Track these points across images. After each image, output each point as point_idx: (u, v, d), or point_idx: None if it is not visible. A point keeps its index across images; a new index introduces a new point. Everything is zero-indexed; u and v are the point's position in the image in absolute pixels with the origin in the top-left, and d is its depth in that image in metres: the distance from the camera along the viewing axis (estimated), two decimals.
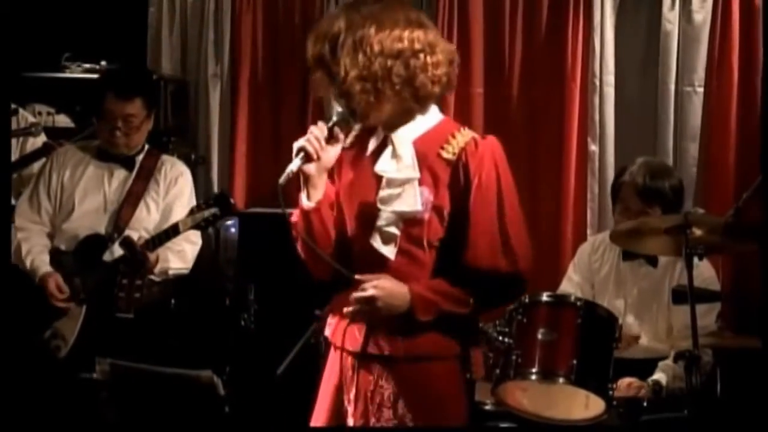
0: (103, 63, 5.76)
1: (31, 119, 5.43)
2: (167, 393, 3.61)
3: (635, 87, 5.60)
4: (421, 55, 3.06)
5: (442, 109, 5.66)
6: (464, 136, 3.13)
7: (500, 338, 3.91)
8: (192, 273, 4.90)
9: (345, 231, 3.21)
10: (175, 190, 4.87)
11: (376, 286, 3.07)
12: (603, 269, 4.77)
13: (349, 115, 3.13)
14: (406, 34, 3.06)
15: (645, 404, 4.25)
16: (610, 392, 3.87)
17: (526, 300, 3.94)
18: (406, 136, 3.13)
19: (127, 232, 4.70)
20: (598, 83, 5.52)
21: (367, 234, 3.13)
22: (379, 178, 3.13)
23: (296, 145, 3.11)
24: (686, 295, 4.09)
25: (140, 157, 4.86)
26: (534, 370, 3.84)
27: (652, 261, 4.66)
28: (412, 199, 3.08)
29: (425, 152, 3.11)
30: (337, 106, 3.13)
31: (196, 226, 4.62)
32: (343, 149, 3.21)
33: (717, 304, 4.41)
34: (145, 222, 4.79)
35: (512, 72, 5.65)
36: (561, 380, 3.83)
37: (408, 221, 3.09)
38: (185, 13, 6.08)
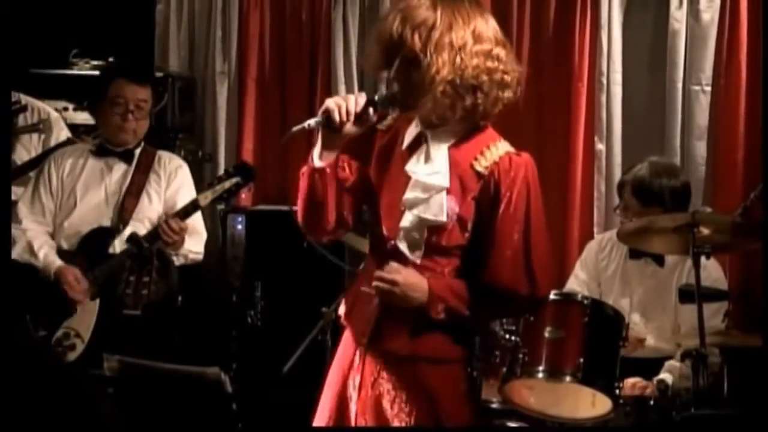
0: (111, 59, 5.76)
1: (54, 114, 5.43)
2: (174, 390, 3.60)
3: (642, 85, 5.59)
4: (497, 77, 3.02)
5: None
6: (499, 149, 3.07)
7: (507, 336, 3.91)
8: (199, 270, 4.91)
9: (377, 219, 3.18)
10: (177, 181, 4.88)
11: (400, 273, 3.06)
12: (610, 267, 4.77)
13: (392, 102, 3.07)
14: (496, 51, 3.03)
15: (651, 403, 4.25)
16: (617, 391, 3.87)
17: None
18: (443, 140, 3.09)
19: (131, 224, 4.71)
20: (605, 82, 5.51)
21: (391, 230, 3.12)
22: (408, 177, 3.10)
23: (327, 103, 3.02)
24: (693, 294, 4.09)
25: (138, 151, 4.87)
26: (541, 368, 3.84)
27: (659, 260, 4.65)
28: (438, 208, 3.06)
29: (458, 161, 3.07)
30: (383, 89, 3.07)
31: (218, 199, 4.62)
32: (380, 132, 3.18)
33: (724, 303, 4.41)
34: (148, 212, 4.79)
35: None
36: (568, 378, 3.83)
37: (430, 228, 3.07)
38: (193, 10, 6.08)
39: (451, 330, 3.12)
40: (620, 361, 3.96)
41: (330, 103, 3.02)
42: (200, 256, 4.84)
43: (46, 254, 4.69)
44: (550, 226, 5.50)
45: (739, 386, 4.35)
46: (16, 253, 4.64)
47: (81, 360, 4.54)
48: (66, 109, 5.66)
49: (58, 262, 4.67)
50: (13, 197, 4.81)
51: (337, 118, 3.00)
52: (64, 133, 5.37)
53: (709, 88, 5.42)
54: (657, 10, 5.54)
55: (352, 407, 3.16)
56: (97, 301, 4.66)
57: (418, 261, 3.09)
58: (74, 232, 4.76)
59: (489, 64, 3.01)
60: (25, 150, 5.35)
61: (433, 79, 2.96)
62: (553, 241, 5.49)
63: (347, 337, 3.26)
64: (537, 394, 3.99)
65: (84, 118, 5.57)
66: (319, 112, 3.03)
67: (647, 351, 4.48)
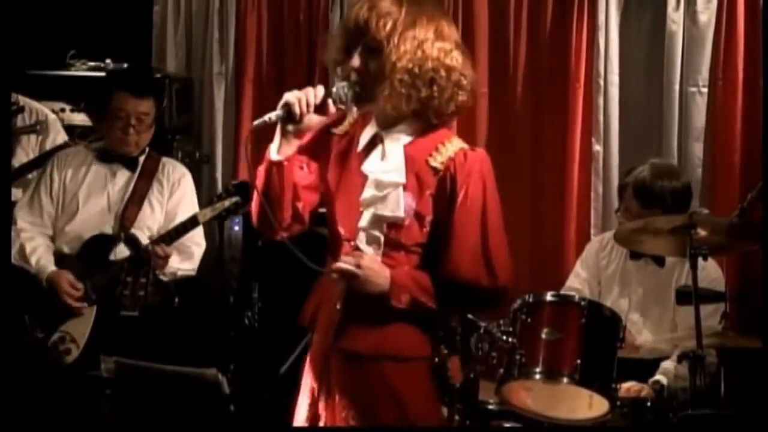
0: (108, 61, 5.76)
1: (51, 116, 5.43)
2: (172, 391, 3.61)
3: (640, 87, 5.59)
4: (455, 76, 3.09)
5: None
6: (453, 145, 3.14)
7: (504, 338, 3.91)
8: (197, 271, 4.90)
9: (334, 222, 3.22)
10: (179, 192, 4.87)
11: (363, 257, 3.09)
12: (610, 267, 4.78)
13: (349, 95, 3.10)
14: (455, 53, 3.10)
15: (648, 404, 4.26)
16: (614, 392, 3.87)
17: (530, 299, 3.94)
18: (398, 139, 3.15)
19: (133, 232, 4.71)
20: (602, 83, 5.51)
21: (350, 231, 3.16)
22: (365, 177, 3.15)
23: (286, 97, 3.09)
24: (690, 295, 4.09)
25: (142, 158, 4.87)
26: (538, 369, 3.84)
27: (659, 260, 4.66)
28: (395, 205, 3.11)
29: (414, 158, 3.12)
30: (339, 81, 3.11)
31: (216, 217, 4.62)
32: (337, 137, 3.24)
33: (721, 304, 4.41)
34: (149, 221, 4.79)
35: (517, 72, 5.65)
36: (565, 380, 3.83)
37: (389, 225, 3.12)
38: (190, 11, 6.08)
39: (415, 327, 3.15)
40: (618, 362, 3.96)
41: (289, 96, 3.08)
42: (192, 272, 4.84)
43: (39, 259, 4.69)
44: (548, 227, 5.58)
45: (737, 387, 4.35)
46: (11, 254, 4.64)
47: (76, 364, 4.54)
48: (63, 110, 5.66)
49: (50, 268, 4.67)
50: (12, 198, 4.80)
51: (297, 110, 3.06)
52: (61, 136, 5.37)
53: (706, 90, 5.43)
54: (654, 11, 5.55)
55: (323, 413, 3.18)
56: (94, 308, 4.66)
57: (378, 259, 3.13)
58: (75, 236, 4.76)
59: (448, 61, 3.08)
60: (23, 152, 5.35)
61: (393, 66, 3.03)
62: (550, 243, 5.53)
63: (314, 341, 3.28)
64: (534, 395, 3.99)
65: (81, 119, 5.57)
66: (279, 106, 3.09)
67: (645, 352, 4.48)
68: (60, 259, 4.74)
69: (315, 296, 3.29)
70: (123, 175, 4.84)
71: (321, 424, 3.18)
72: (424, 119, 3.13)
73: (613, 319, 4.00)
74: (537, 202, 5.61)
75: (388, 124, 3.15)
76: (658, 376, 4.41)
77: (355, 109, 3.15)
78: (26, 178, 5.10)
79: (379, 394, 3.13)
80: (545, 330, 3.88)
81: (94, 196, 4.82)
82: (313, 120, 3.10)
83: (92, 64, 5.79)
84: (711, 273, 4.51)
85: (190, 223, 4.62)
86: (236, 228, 5.53)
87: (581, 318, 3.90)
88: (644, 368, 4.45)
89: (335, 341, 3.16)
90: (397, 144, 3.14)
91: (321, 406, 3.18)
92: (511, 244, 5.73)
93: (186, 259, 4.77)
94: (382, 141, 3.16)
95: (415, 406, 3.15)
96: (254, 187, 3.19)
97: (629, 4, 5.57)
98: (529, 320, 3.90)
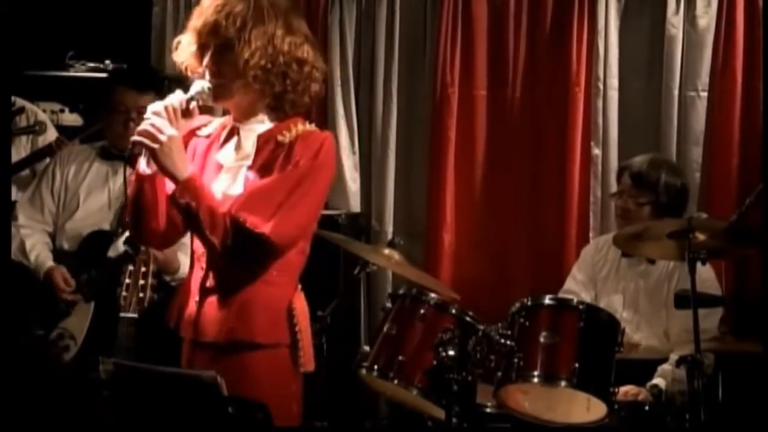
0: (108, 62, 5.76)
1: (42, 116, 5.44)
2: (170, 393, 3.60)
3: (639, 91, 5.59)
4: (306, 68, 3.26)
5: (447, 109, 5.69)
6: (303, 126, 3.27)
7: (502, 341, 3.92)
8: None
9: None
10: None
11: (172, 132, 3.17)
12: (605, 268, 4.80)
13: (209, 93, 3.23)
14: (306, 46, 3.27)
15: (647, 408, 4.26)
16: (612, 396, 3.87)
17: (529, 303, 3.96)
18: (253, 129, 3.28)
19: None
20: (601, 87, 5.51)
21: None
22: (221, 167, 3.29)
23: (154, 108, 3.20)
24: (689, 299, 4.10)
25: None
26: (536, 373, 3.85)
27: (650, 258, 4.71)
28: (240, 184, 3.22)
29: (267, 140, 3.25)
30: (200, 82, 3.24)
31: None
32: (202, 138, 3.37)
33: (719, 307, 4.42)
34: None
35: (516, 75, 5.64)
36: (563, 383, 3.84)
37: None
38: (190, 12, 6.05)
39: (272, 313, 3.24)
40: (615, 365, 3.96)
41: (156, 107, 3.21)
42: None
43: (38, 255, 4.73)
44: (547, 230, 5.57)
45: (735, 392, 4.35)
46: (11, 250, 4.66)
47: (75, 362, 4.54)
48: (62, 110, 5.66)
49: (48, 264, 4.71)
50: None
51: (166, 117, 3.18)
52: (51, 134, 5.38)
53: (705, 94, 5.43)
54: (654, 15, 5.55)
55: None
56: (92, 303, 4.66)
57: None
58: (76, 234, 4.78)
59: (299, 54, 3.23)
60: (15, 151, 5.36)
61: (246, 63, 3.16)
62: (549, 246, 5.53)
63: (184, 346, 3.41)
64: (532, 398, 4.00)
65: (73, 119, 5.57)
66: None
67: (641, 352, 4.49)
68: (60, 255, 4.76)
69: (177, 298, 3.43)
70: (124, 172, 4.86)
71: None
72: (280, 111, 3.27)
73: (611, 323, 4.01)
74: (536, 206, 5.60)
75: (244, 118, 3.29)
76: (656, 380, 4.41)
77: (216, 106, 3.31)
78: (18, 176, 5.11)
79: (238, 384, 3.15)
80: (543, 333, 3.89)
81: (95, 193, 4.84)
82: (182, 124, 3.23)
83: (91, 64, 5.79)
84: (702, 273, 4.51)
85: None
86: None
87: (579, 322, 3.91)
88: (641, 371, 4.45)
89: (195, 334, 3.30)
90: (251, 134, 3.28)
91: None
92: (510, 247, 5.76)
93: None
94: (238, 133, 3.30)
95: (272, 394, 3.19)
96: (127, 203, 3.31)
97: (629, 7, 5.57)
98: (527, 323, 3.91)
